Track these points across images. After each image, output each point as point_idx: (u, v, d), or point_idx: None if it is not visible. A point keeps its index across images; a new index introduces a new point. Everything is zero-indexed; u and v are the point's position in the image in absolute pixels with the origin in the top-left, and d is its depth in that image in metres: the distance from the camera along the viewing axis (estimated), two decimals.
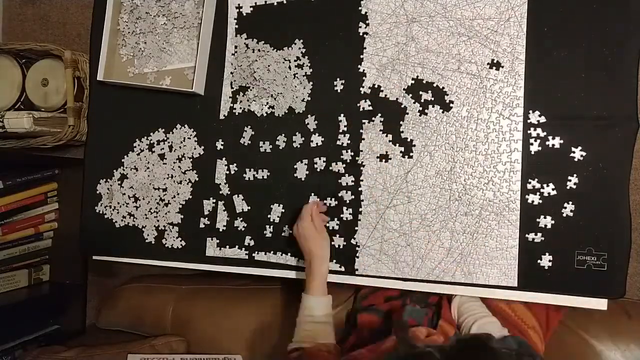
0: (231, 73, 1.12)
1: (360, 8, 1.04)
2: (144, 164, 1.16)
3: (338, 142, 1.04)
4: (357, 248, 1.02)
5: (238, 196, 1.10)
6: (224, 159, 1.12)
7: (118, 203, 1.17)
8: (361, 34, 1.04)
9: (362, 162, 1.03)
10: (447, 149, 0.99)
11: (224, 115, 1.12)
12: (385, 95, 1.02)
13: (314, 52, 1.07)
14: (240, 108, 1.11)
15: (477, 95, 0.98)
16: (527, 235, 0.94)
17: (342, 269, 1.03)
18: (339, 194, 1.04)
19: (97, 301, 1.71)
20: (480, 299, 1.00)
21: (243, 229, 1.10)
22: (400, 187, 1.01)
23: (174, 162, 1.14)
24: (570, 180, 0.92)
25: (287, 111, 1.08)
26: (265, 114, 1.09)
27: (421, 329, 0.83)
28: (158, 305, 1.36)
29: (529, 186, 0.94)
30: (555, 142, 0.93)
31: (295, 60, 1.08)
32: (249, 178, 1.10)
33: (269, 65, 1.08)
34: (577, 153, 0.92)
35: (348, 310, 1.16)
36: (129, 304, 1.41)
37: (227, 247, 1.11)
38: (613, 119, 0.91)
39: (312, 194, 1.05)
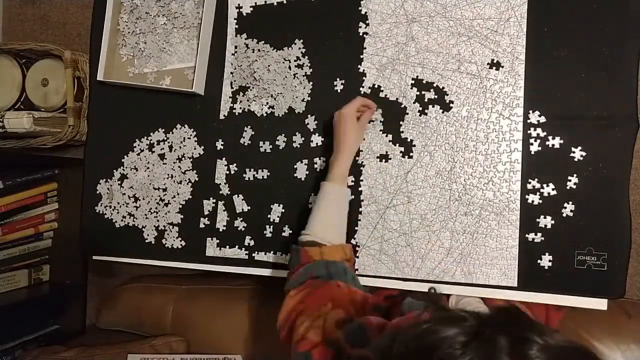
0: (231, 73, 1.12)
1: (360, 8, 1.04)
2: (144, 164, 1.16)
3: None
4: (357, 248, 1.02)
5: (238, 196, 1.10)
6: (224, 159, 1.12)
7: (118, 203, 1.17)
8: (361, 34, 1.04)
9: (362, 162, 1.03)
10: (447, 149, 0.99)
11: (224, 115, 1.12)
12: (385, 95, 1.02)
13: (314, 52, 1.07)
14: (240, 108, 1.11)
15: (477, 95, 0.98)
16: (527, 235, 0.94)
17: None
18: None
19: (97, 301, 1.71)
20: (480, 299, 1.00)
21: (243, 229, 1.10)
22: (400, 187, 1.01)
23: (174, 162, 1.14)
24: (570, 180, 0.92)
25: (287, 111, 1.08)
26: (265, 114, 1.09)
27: (423, 315, 0.82)
28: (158, 305, 1.36)
29: (529, 186, 0.94)
30: (555, 142, 0.93)
31: (295, 60, 1.08)
32: (249, 178, 1.10)
33: (269, 65, 1.08)
34: (577, 153, 0.92)
35: None
36: (129, 304, 1.41)
37: (227, 247, 1.11)
38: (613, 119, 0.91)
39: (312, 194, 1.05)
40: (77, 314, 1.72)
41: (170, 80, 1.14)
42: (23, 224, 1.59)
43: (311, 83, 1.07)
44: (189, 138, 1.14)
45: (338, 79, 1.05)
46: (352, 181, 1.03)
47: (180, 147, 1.14)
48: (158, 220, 1.15)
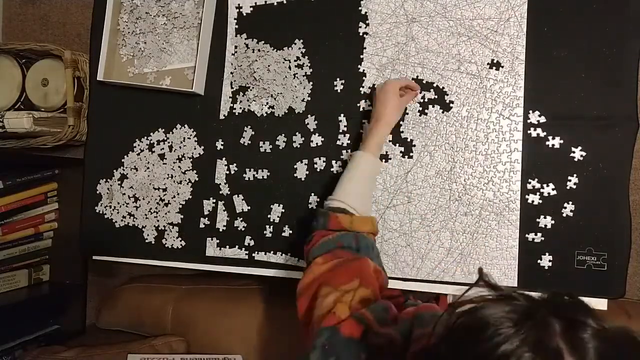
0: (231, 73, 1.12)
1: (360, 8, 1.04)
2: (144, 164, 1.16)
3: (338, 142, 1.04)
4: None
5: (238, 196, 1.10)
6: (224, 159, 1.12)
7: (118, 203, 1.17)
8: (361, 34, 1.04)
9: None
10: (447, 149, 0.99)
11: (224, 115, 1.12)
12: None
13: (314, 52, 1.07)
14: (240, 108, 1.11)
15: (477, 95, 0.98)
16: (527, 235, 0.94)
17: None
18: None
19: (97, 301, 1.71)
20: None
21: (243, 229, 1.10)
22: (400, 187, 1.01)
23: (174, 162, 1.14)
24: (570, 180, 0.92)
25: (287, 111, 1.08)
26: (265, 114, 1.09)
27: (435, 305, 0.81)
28: (158, 305, 1.36)
29: (529, 186, 0.94)
30: (555, 142, 0.93)
31: (295, 60, 1.08)
32: (249, 178, 1.10)
33: (269, 65, 1.08)
34: (577, 153, 0.92)
35: None
36: (128, 304, 1.41)
37: (227, 247, 1.11)
38: (613, 119, 0.91)
39: (312, 193, 1.05)
40: (77, 314, 1.72)
41: (170, 80, 1.14)
42: (23, 224, 1.59)
43: (311, 83, 1.07)
44: (189, 138, 1.14)
45: (338, 79, 1.05)
46: None
47: (180, 147, 1.14)
48: (158, 220, 1.15)
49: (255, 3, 1.11)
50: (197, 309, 1.33)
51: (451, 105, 0.99)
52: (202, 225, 1.12)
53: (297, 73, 1.07)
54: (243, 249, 1.10)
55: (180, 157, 1.14)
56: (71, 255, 1.62)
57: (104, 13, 1.15)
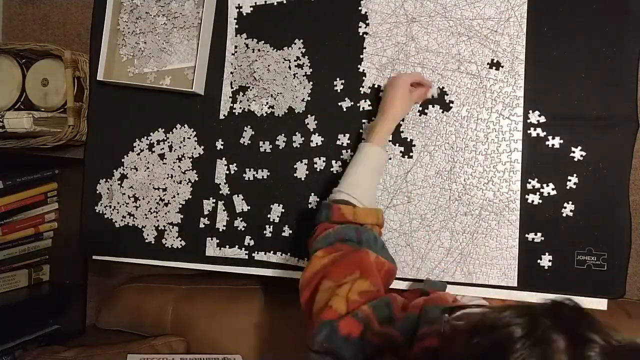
0: (231, 73, 1.12)
1: (360, 8, 1.04)
2: (144, 163, 1.16)
3: (338, 142, 1.04)
4: None
5: (238, 196, 1.10)
6: (223, 158, 1.12)
7: (118, 203, 1.17)
8: (361, 34, 1.04)
9: None
10: (447, 149, 0.99)
11: (224, 115, 1.12)
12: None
13: (314, 52, 1.07)
14: (240, 108, 1.11)
15: (477, 95, 0.98)
16: (527, 235, 0.94)
17: None
18: None
19: (97, 301, 1.71)
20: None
21: (243, 229, 1.10)
22: (400, 187, 1.01)
23: (174, 162, 1.14)
24: (570, 180, 0.92)
25: (287, 111, 1.08)
26: (265, 114, 1.09)
27: (448, 293, 0.80)
28: (158, 305, 1.36)
29: (529, 186, 0.94)
30: (555, 142, 0.93)
31: (295, 60, 1.08)
32: (248, 178, 1.10)
33: (269, 65, 1.08)
34: (577, 153, 0.92)
35: None
36: (128, 304, 1.41)
37: (227, 247, 1.11)
38: (613, 119, 0.91)
39: (312, 193, 1.05)
40: (77, 314, 1.72)
41: (170, 80, 1.14)
42: (23, 224, 1.59)
43: (311, 83, 1.07)
44: (189, 138, 1.14)
45: (338, 79, 1.05)
46: None
47: (180, 147, 1.14)
48: (158, 220, 1.15)
49: (255, 3, 1.11)
50: (197, 309, 1.33)
51: (451, 105, 0.99)
52: (202, 225, 1.12)
53: (297, 73, 1.07)
54: (243, 248, 1.10)
55: (180, 157, 1.14)
56: (71, 255, 1.62)
57: (104, 13, 1.15)
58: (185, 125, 1.14)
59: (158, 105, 1.16)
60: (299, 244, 1.06)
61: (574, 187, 0.92)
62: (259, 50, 1.10)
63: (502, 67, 0.97)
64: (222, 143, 1.12)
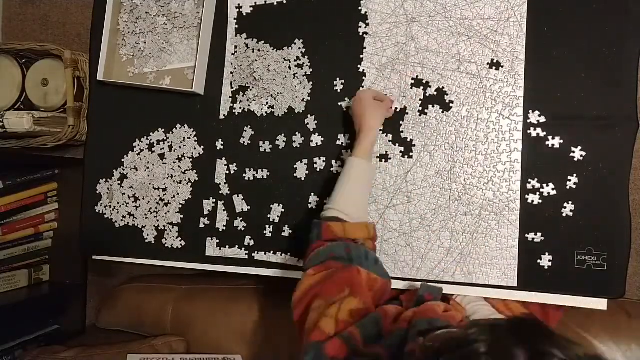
0: (231, 73, 1.12)
1: (360, 8, 1.04)
2: (144, 163, 1.16)
3: (338, 142, 1.04)
4: None
5: (238, 196, 1.10)
6: (223, 158, 1.12)
7: (118, 203, 1.17)
8: (361, 34, 1.04)
9: None
10: (447, 149, 0.99)
11: (224, 115, 1.12)
12: (385, 95, 1.02)
13: (314, 52, 1.07)
14: (240, 108, 1.11)
15: (477, 95, 0.98)
16: (527, 235, 0.94)
17: None
18: None
19: (97, 301, 1.71)
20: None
21: (243, 229, 1.10)
22: (400, 187, 1.01)
23: (174, 162, 1.14)
24: (570, 180, 0.92)
25: (287, 111, 1.08)
26: (265, 114, 1.09)
27: (439, 304, 0.80)
28: (158, 305, 1.36)
29: (529, 186, 0.94)
30: (555, 142, 0.93)
31: (295, 60, 1.08)
32: (248, 178, 1.10)
33: (269, 65, 1.08)
34: (577, 153, 0.92)
35: None
36: (128, 304, 1.41)
37: (227, 247, 1.11)
38: (613, 119, 0.91)
39: (312, 193, 1.05)
40: (77, 314, 1.72)
41: (170, 80, 1.14)
42: (23, 224, 1.59)
43: (311, 83, 1.07)
44: (189, 138, 1.14)
45: (338, 79, 1.05)
46: None
47: (180, 147, 1.14)
48: (158, 220, 1.15)
49: (255, 3, 1.11)
50: (197, 309, 1.33)
51: (451, 105, 0.99)
52: (202, 225, 1.12)
53: (297, 73, 1.07)
54: (243, 248, 1.10)
55: (180, 157, 1.14)
56: (71, 255, 1.62)
57: (104, 13, 1.15)
58: (185, 125, 1.14)
59: (158, 105, 1.16)
60: (299, 244, 1.06)
61: (574, 187, 0.92)
62: (259, 50, 1.10)
63: (502, 67, 0.97)
64: (222, 143, 1.12)
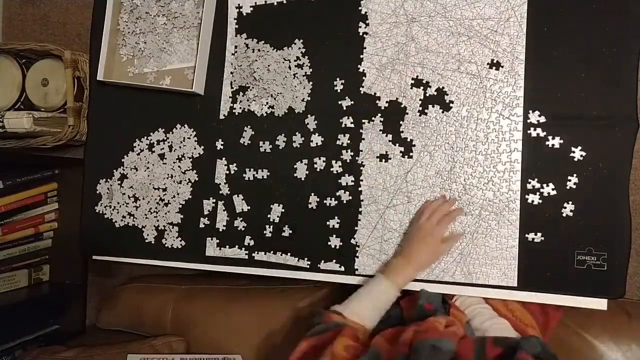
0: (231, 73, 1.12)
1: (360, 8, 1.04)
2: (144, 163, 1.16)
3: (338, 142, 1.04)
4: (357, 248, 1.02)
5: (238, 196, 1.10)
6: (223, 158, 1.12)
7: (118, 203, 1.17)
8: (361, 34, 1.04)
9: (362, 162, 1.03)
10: (447, 149, 0.99)
11: (224, 115, 1.12)
12: (385, 95, 1.02)
13: (314, 52, 1.07)
14: (240, 108, 1.11)
15: (477, 95, 0.98)
16: (527, 235, 0.94)
17: (342, 268, 1.03)
18: (339, 194, 1.04)
19: (97, 301, 1.71)
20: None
21: (243, 229, 1.10)
22: (400, 187, 1.01)
23: (174, 162, 1.15)
24: (570, 180, 0.92)
25: (287, 111, 1.08)
26: (265, 114, 1.09)
27: (440, 319, 0.79)
28: (158, 305, 1.36)
29: (529, 186, 0.94)
30: (555, 142, 0.93)
31: (295, 60, 1.08)
32: (248, 178, 1.10)
33: (269, 65, 1.08)
34: (577, 153, 0.92)
35: None
36: (128, 304, 1.41)
37: (227, 247, 1.11)
38: (613, 119, 0.91)
39: (312, 193, 1.05)
40: (77, 314, 1.72)
41: (170, 80, 1.14)
42: (23, 224, 1.59)
43: (311, 83, 1.07)
44: (189, 138, 1.14)
45: (338, 79, 1.05)
46: (352, 181, 1.03)
47: (180, 147, 1.14)
48: (158, 220, 1.15)
49: (255, 3, 1.11)
50: (197, 309, 1.33)
51: (451, 105, 0.99)
52: (202, 225, 1.12)
53: (297, 73, 1.07)
54: (243, 248, 1.10)
55: (180, 157, 1.14)
56: (71, 255, 1.62)
57: (104, 13, 1.15)
58: (185, 125, 1.14)
59: (158, 105, 1.16)
60: (299, 244, 1.06)
61: (574, 187, 0.92)
62: (259, 50, 1.10)
63: (502, 67, 0.97)
64: (222, 143, 1.12)
